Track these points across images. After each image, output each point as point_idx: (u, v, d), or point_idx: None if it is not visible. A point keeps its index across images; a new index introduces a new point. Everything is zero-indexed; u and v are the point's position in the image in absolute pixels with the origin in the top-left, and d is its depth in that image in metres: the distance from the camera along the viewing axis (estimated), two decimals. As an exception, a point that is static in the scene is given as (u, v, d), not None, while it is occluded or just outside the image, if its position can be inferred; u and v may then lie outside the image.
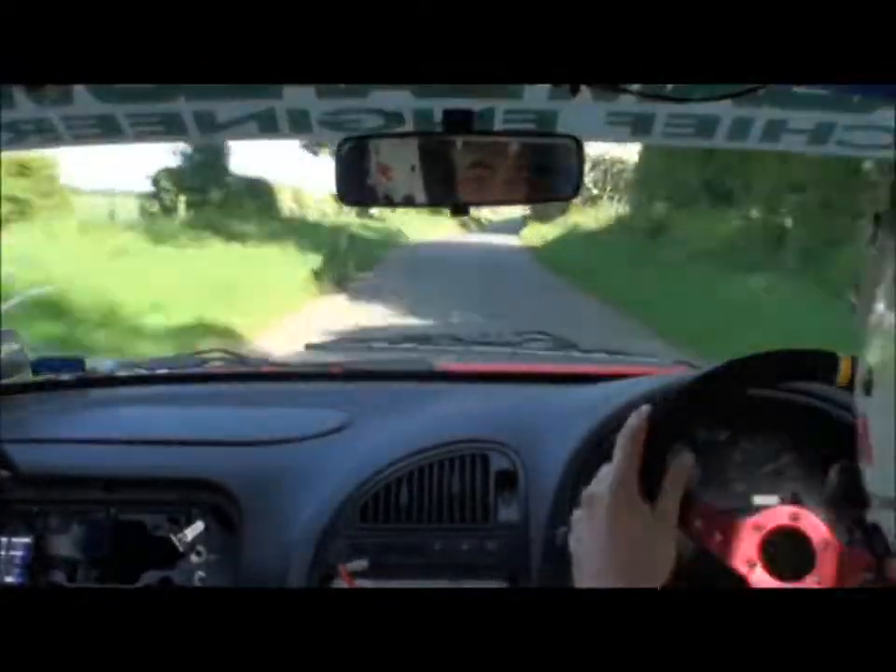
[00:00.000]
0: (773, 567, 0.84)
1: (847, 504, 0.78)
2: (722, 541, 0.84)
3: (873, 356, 0.51)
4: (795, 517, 0.86)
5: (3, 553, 1.21)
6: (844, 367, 0.84)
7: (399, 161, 1.08)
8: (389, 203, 1.12)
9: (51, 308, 6.63)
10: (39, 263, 7.51)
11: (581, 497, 0.84)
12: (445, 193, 1.09)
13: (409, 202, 1.11)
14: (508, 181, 1.10)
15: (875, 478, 0.52)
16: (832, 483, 0.77)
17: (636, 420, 0.82)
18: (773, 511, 0.87)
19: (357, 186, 1.10)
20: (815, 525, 0.86)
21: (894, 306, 0.48)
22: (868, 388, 0.51)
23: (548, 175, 1.13)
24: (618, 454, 0.81)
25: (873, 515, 0.54)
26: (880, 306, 0.50)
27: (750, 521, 0.85)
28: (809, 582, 0.83)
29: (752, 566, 0.84)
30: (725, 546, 0.84)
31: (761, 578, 0.83)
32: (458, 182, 1.09)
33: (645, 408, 0.83)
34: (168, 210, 16.20)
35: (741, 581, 0.83)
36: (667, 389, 1.07)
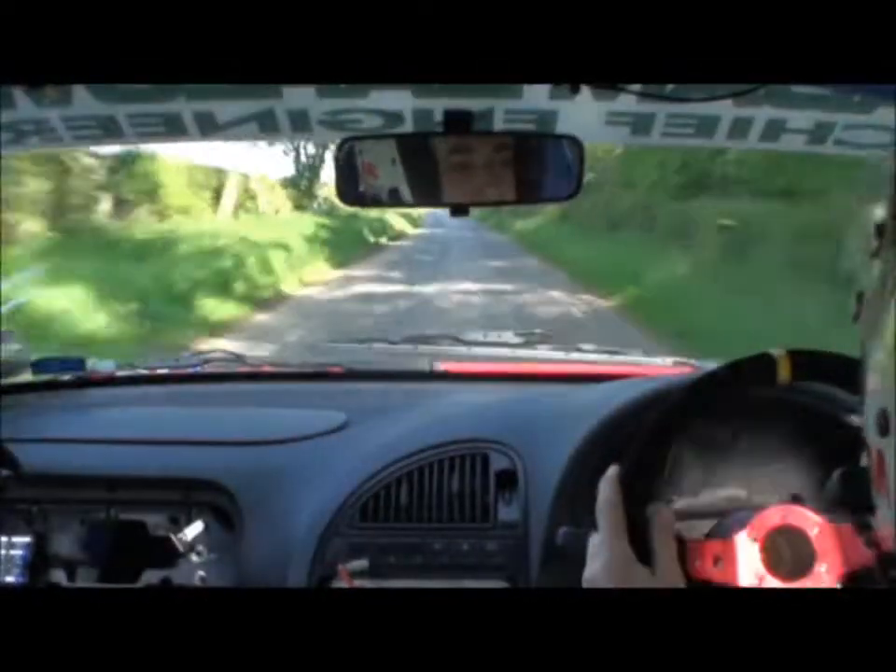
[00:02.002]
0: (780, 570, 0.84)
1: (850, 509, 0.78)
2: (725, 568, 0.84)
3: (887, 392, 0.46)
4: (786, 515, 0.87)
5: (3, 552, 1.21)
6: (782, 364, 0.85)
7: (381, 158, 1.09)
8: (379, 202, 1.12)
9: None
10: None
11: (579, 498, 0.84)
12: (430, 189, 1.09)
13: (395, 199, 1.11)
14: (499, 178, 1.10)
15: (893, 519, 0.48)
16: (833, 488, 0.78)
17: (608, 488, 0.81)
18: (763, 516, 0.87)
19: (353, 186, 1.11)
20: (806, 517, 0.86)
21: None
22: (885, 427, 0.47)
23: (546, 175, 1.13)
24: (602, 527, 0.80)
25: (878, 524, 0.52)
26: (890, 336, 0.46)
27: (744, 534, 0.85)
28: (817, 572, 0.83)
29: (761, 577, 0.84)
30: (730, 572, 0.84)
31: (771, 583, 0.84)
32: (442, 173, 1.08)
33: (613, 471, 0.83)
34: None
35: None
36: (667, 389, 1.08)
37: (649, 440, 0.88)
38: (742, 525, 0.87)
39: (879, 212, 0.49)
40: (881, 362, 0.47)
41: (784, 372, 0.87)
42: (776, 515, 0.87)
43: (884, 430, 0.47)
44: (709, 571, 0.85)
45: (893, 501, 0.47)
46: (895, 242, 0.47)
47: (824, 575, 0.83)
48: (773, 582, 0.83)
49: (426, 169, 1.09)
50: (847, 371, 0.93)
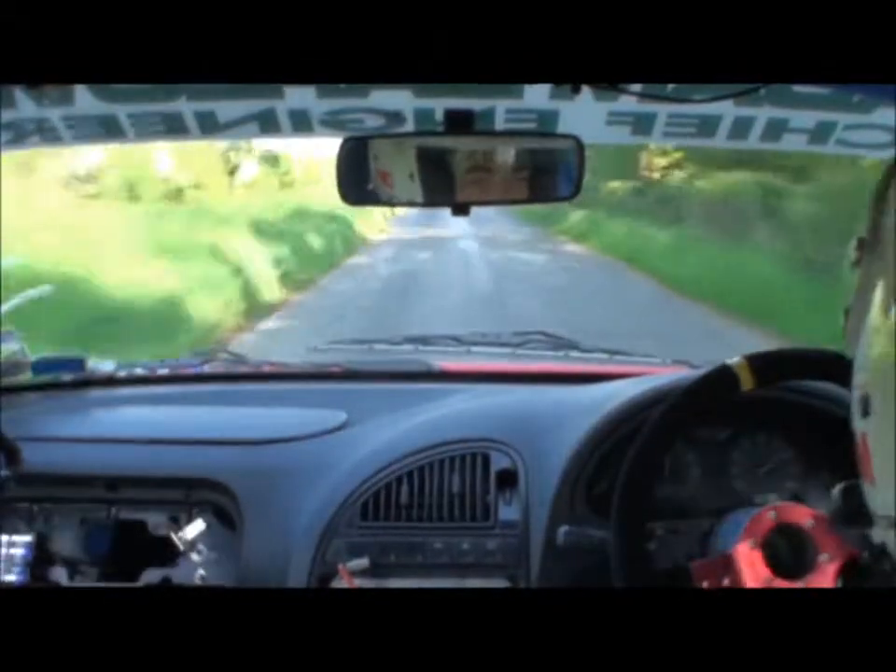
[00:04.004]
0: (784, 570, 0.84)
1: (852, 524, 0.79)
2: (734, 578, 0.85)
3: (867, 378, 0.51)
4: (779, 513, 0.87)
5: (4, 551, 1.21)
6: (742, 373, 0.86)
7: (397, 168, 1.09)
8: (391, 203, 1.14)
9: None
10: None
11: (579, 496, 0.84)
12: (445, 196, 1.11)
13: (411, 204, 1.13)
14: (507, 181, 1.11)
15: (876, 498, 0.52)
16: (836, 502, 0.78)
17: None
18: (757, 520, 0.87)
19: (358, 186, 1.11)
20: (799, 511, 0.86)
21: (884, 329, 0.48)
22: (865, 410, 0.51)
23: (549, 175, 1.13)
24: None
25: (877, 535, 0.53)
26: (870, 330, 0.50)
27: (742, 544, 0.86)
28: (821, 564, 0.83)
29: (768, 579, 0.84)
30: (738, 580, 0.84)
31: (765, 580, 0.84)
32: (457, 185, 1.09)
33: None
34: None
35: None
36: (667, 389, 1.08)
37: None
38: (739, 531, 0.87)
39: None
40: (864, 362, 0.51)
41: (747, 381, 0.87)
42: (769, 516, 0.87)
43: (865, 412, 0.50)
44: (719, 585, 0.85)
45: (877, 482, 0.49)
46: (874, 252, 0.50)
47: (828, 565, 0.83)
48: (778, 581, 0.83)
49: (441, 182, 1.10)
50: (814, 364, 0.93)
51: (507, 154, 1.11)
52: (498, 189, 1.11)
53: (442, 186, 1.09)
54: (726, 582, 0.85)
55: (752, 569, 0.84)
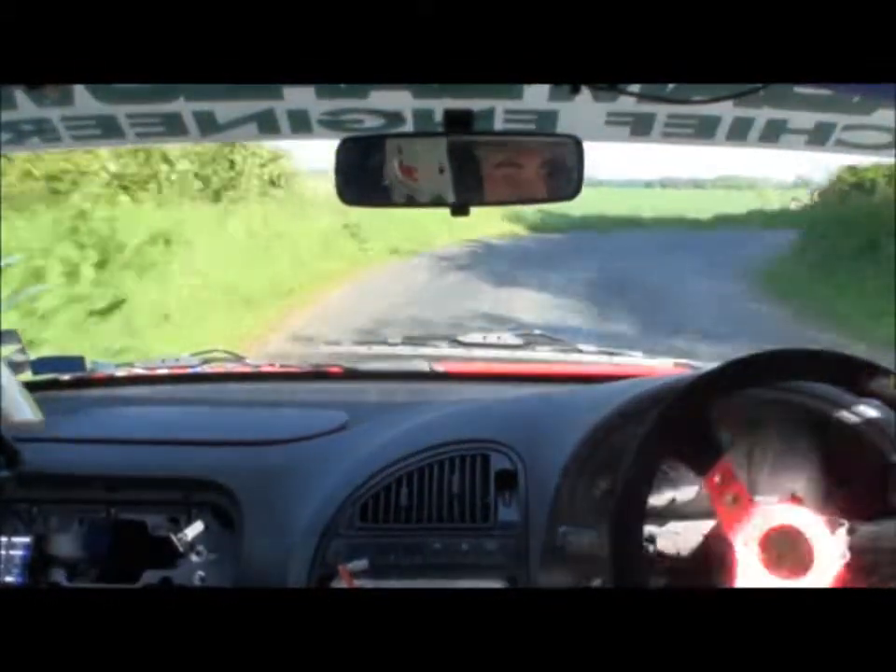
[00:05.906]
0: (775, 567, 0.84)
1: None
2: (725, 571, 0.84)
3: None
4: (787, 515, 0.87)
5: (3, 552, 1.21)
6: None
7: (425, 162, 1.08)
8: (409, 201, 1.11)
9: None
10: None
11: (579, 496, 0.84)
12: (473, 192, 1.10)
13: (438, 202, 1.11)
14: (531, 179, 1.11)
15: None
16: None
17: None
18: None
19: (360, 186, 1.10)
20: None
21: None
22: None
23: (555, 175, 1.13)
24: None
25: None
26: None
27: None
28: (811, 580, 0.83)
29: (761, 577, 0.84)
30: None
31: (764, 580, 0.83)
32: (486, 180, 1.09)
33: None
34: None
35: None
36: (667, 389, 1.07)
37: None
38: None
39: None
40: None
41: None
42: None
43: None
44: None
45: None
46: None
47: (822, 575, 0.83)
48: (767, 578, 0.83)
49: (471, 177, 1.09)
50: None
51: (532, 153, 1.12)
52: (523, 187, 1.12)
53: (472, 180, 1.09)
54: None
55: (746, 564, 0.84)
